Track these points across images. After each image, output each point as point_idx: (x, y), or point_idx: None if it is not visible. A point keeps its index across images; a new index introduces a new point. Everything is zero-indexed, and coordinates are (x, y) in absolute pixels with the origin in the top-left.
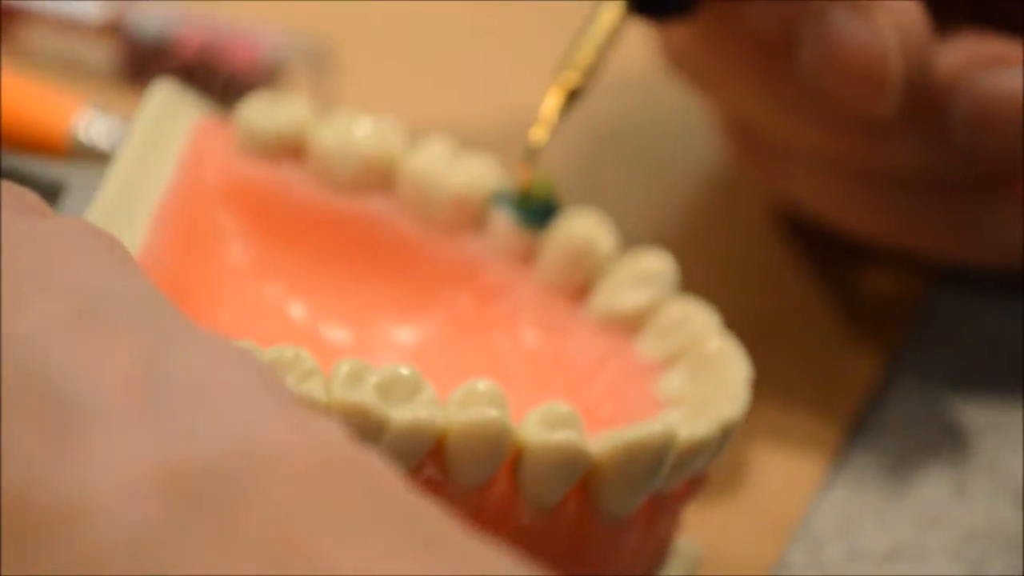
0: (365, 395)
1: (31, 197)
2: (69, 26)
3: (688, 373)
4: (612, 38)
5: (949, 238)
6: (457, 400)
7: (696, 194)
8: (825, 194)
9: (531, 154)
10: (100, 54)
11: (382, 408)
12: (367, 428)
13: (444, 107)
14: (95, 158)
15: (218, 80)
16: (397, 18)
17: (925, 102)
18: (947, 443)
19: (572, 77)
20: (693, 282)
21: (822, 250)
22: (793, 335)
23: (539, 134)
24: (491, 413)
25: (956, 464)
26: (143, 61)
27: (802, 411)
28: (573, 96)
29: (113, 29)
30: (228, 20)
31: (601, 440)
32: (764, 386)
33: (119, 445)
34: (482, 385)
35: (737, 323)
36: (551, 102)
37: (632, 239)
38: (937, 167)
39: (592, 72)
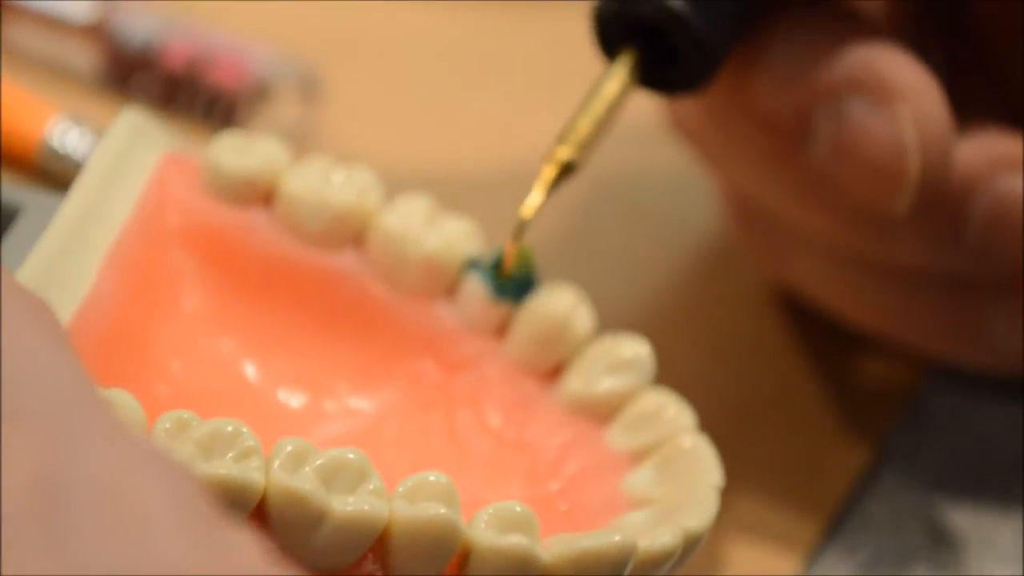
0: (305, 481)
1: None
2: (52, 24)
3: (657, 471)
4: (614, 111)
5: (953, 339)
6: (404, 492)
7: (689, 254)
8: (825, 282)
9: (520, 230)
10: (83, 57)
11: (323, 497)
12: (306, 517)
13: (433, 143)
14: (65, 170)
15: (202, 96)
16: (392, 47)
17: (940, 200)
18: (928, 550)
19: (566, 152)
20: (675, 351)
21: (815, 329)
22: (776, 419)
23: (529, 210)
24: (439, 510)
25: (936, 573)
26: (127, 68)
27: (779, 504)
28: (567, 171)
29: (98, 32)
30: (218, 34)
31: (555, 546)
32: (741, 473)
33: (10, 563)
34: (432, 477)
35: (718, 401)
36: (543, 178)
37: (616, 297)
38: (947, 266)
39: (589, 146)
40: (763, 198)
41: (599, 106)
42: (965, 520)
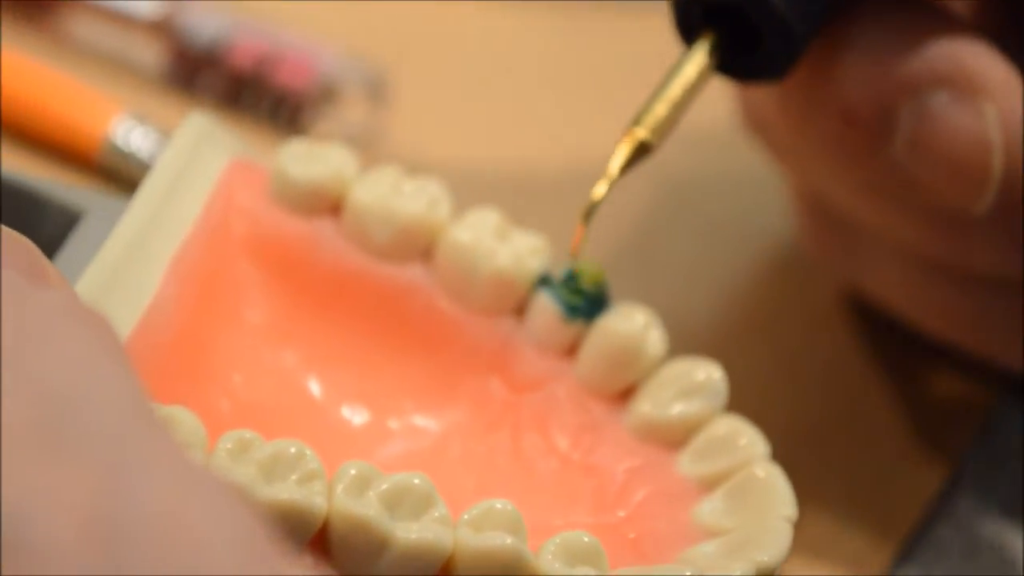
0: (369, 507)
1: (30, 253)
2: (119, 20)
3: (728, 501)
4: (691, 95)
5: None
6: (470, 520)
7: (762, 263)
8: (899, 287)
9: (590, 212)
10: (148, 54)
11: (387, 524)
12: (369, 544)
13: (500, 147)
14: (129, 169)
15: (268, 96)
16: (459, 50)
17: (1019, 203)
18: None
19: (642, 132)
20: (747, 366)
21: (890, 345)
22: (849, 439)
23: (600, 191)
24: (506, 540)
25: None
26: (192, 66)
27: (850, 527)
28: (641, 152)
29: (165, 29)
30: (284, 34)
31: None
32: (812, 495)
33: None
34: (499, 505)
35: (789, 419)
36: (617, 157)
37: (687, 311)
38: None
39: (665, 129)
40: (838, 198)
41: (676, 89)
42: None
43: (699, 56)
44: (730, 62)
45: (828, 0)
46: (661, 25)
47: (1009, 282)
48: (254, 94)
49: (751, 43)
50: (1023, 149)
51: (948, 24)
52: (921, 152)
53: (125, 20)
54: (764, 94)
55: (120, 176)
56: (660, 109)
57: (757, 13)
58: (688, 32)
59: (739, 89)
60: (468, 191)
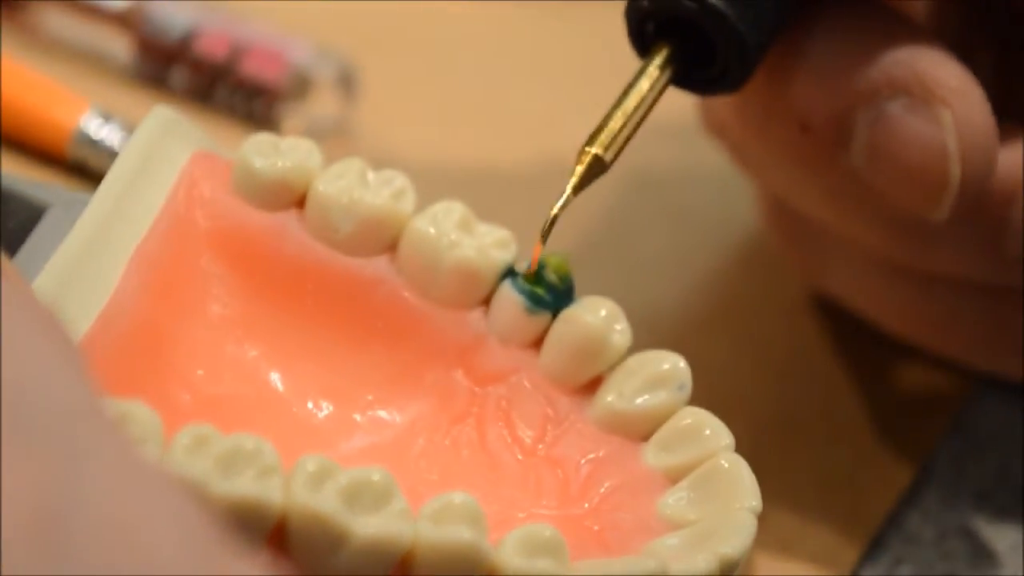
0: (327, 502)
1: None
2: (88, 13)
3: (692, 492)
4: (647, 109)
5: (994, 351)
6: (429, 514)
7: (729, 255)
8: (863, 290)
9: (548, 229)
10: (118, 48)
11: (344, 518)
12: (327, 538)
13: (469, 140)
14: (100, 164)
15: (240, 88)
16: (429, 43)
17: (980, 208)
18: (972, 570)
19: (597, 150)
20: (714, 358)
21: (859, 338)
22: (817, 432)
23: (557, 209)
24: (464, 534)
25: None
26: (162, 60)
27: (819, 520)
28: (597, 170)
29: (134, 22)
30: (255, 26)
31: (585, 571)
32: (780, 488)
33: None
34: (458, 498)
35: (757, 412)
36: (573, 176)
37: (653, 302)
38: (987, 275)
39: (620, 145)
40: (799, 203)
41: (631, 104)
42: (1009, 540)
43: (654, 69)
44: (686, 75)
45: (782, 11)
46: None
47: (972, 284)
48: (224, 87)
49: (706, 56)
50: (981, 155)
51: (904, 29)
52: (878, 160)
53: (94, 13)
54: (722, 101)
55: (90, 171)
56: (615, 125)
57: (710, 25)
58: (643, 45)
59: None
60: (437, 185)
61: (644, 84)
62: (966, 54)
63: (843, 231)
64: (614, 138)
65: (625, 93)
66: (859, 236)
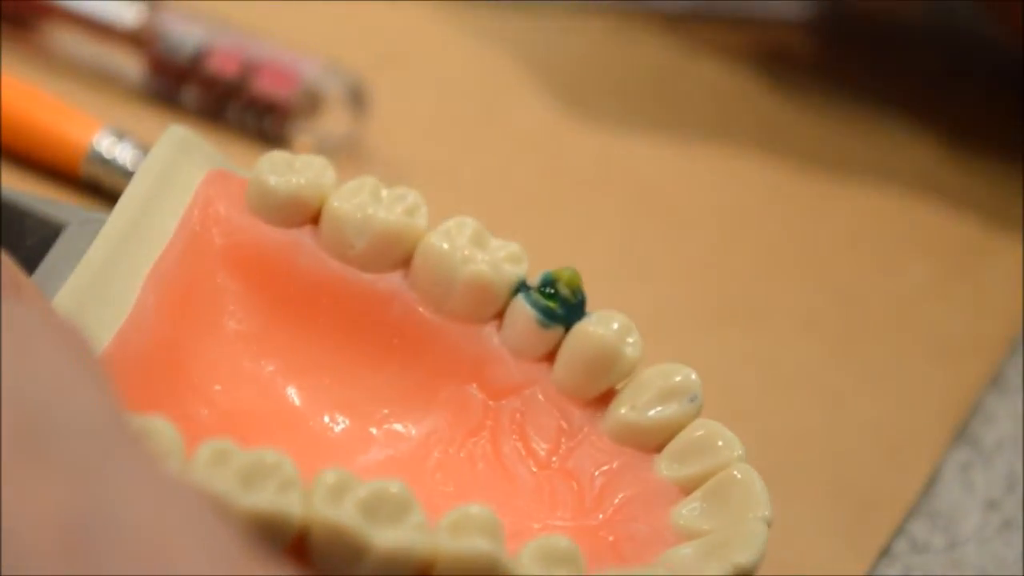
0: (346, 514)
1: (5, 267)
2: (99, 32)
3: (705, 503)
4: None
5: None
6: (447, 525)
7: (740, 268)
8: None
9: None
10: (130, 66)
11: (364, 531)
12: (347, 550)
13: (481, 156)
14: (113, 183)
15: (252, 105)
16: (439, 59)
17: None
18: None
19: None
20: (726, 367)
21: (871, 342)
22: (826, 441)
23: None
24: (483, 545)
25: None
26: (174, 78)
27: (832, 526)
28: None
29: (145, 41)
30: (266, 43)
31: None
32: (793, 495)
33: None
34: (475, 510)
35: (768, 427)
36: None
37: (665, 312)
38: None
39: None
40: None
41: None
42: (1018, 548)
43: None
44: None
45: None
46: (639, 29)
47: None
48: (236, 105)
49: None
50: None
51: None
52: None
53: (106, 32)
54: None
55: (103, 190)
56: None
57: None
58: None
59: None
60: (448, 200)
61: None
62: None
63: None
64: None
65: None
66: None
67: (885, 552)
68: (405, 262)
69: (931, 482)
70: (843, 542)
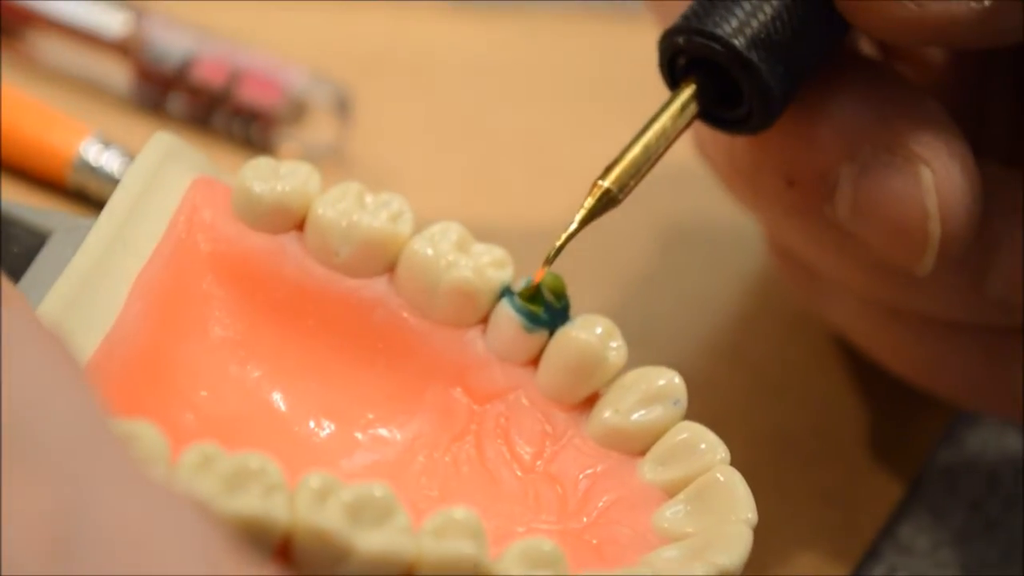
0: (331, 518)
1: None
2: (86, 41)
3: (689, 505)
4: (666, 143)
5: (985, 392)
6: (431, 529)
7: (724, 274)
8: (858, 327)
9: (553, 256)
10: (116, 75)
11: (348, 534)
12: (331, 554)
13: (466, 162)
14: (100, 191)
15: (238, 113)
16: (424, 66)
17: (962, 257)
18: None
19: (608, 184)
20: (713, 378)
21: (851, 353)
22: (811, 445)
23: (563, 238)
24: (466, 548)
25: None
26: (160, 86)
27: (813, 533)
28: (607, 204)
29: (132, 50)
30: (251, 52)
31: None
32: (778, 499)
33: None
34: (459, 513)
35: (754, 430)
36: (582, 209)
37: (649, 316)
38: (972, 317)
39: (633, 182)
40: (793, 245)
41: (651, 140)
42: (1001, 549)
43: (679, 102)
44: (711, 111)
45: (809, 65)
46: (629, 35)
47: (962, 326)
48: (222, 113)
49: (732, 97)
50: (960, 216)
51: (897, 88)
52: (861, 216)
53: (93, 41)
54: (712, 146)
55: (90, 197)
56: (631, 161)
57: (738, 72)
58: (672, 78)
59: (695, 131)
60: (433, 206)
61: (667, 121)
62: (980, 104)
63: (831, 274)
64: (629, 175)
65: (646, 128)
66: (846, 280)
67: (870, 553)
68: (390, 268)
69: (915, 483)
70: (828, 543)
